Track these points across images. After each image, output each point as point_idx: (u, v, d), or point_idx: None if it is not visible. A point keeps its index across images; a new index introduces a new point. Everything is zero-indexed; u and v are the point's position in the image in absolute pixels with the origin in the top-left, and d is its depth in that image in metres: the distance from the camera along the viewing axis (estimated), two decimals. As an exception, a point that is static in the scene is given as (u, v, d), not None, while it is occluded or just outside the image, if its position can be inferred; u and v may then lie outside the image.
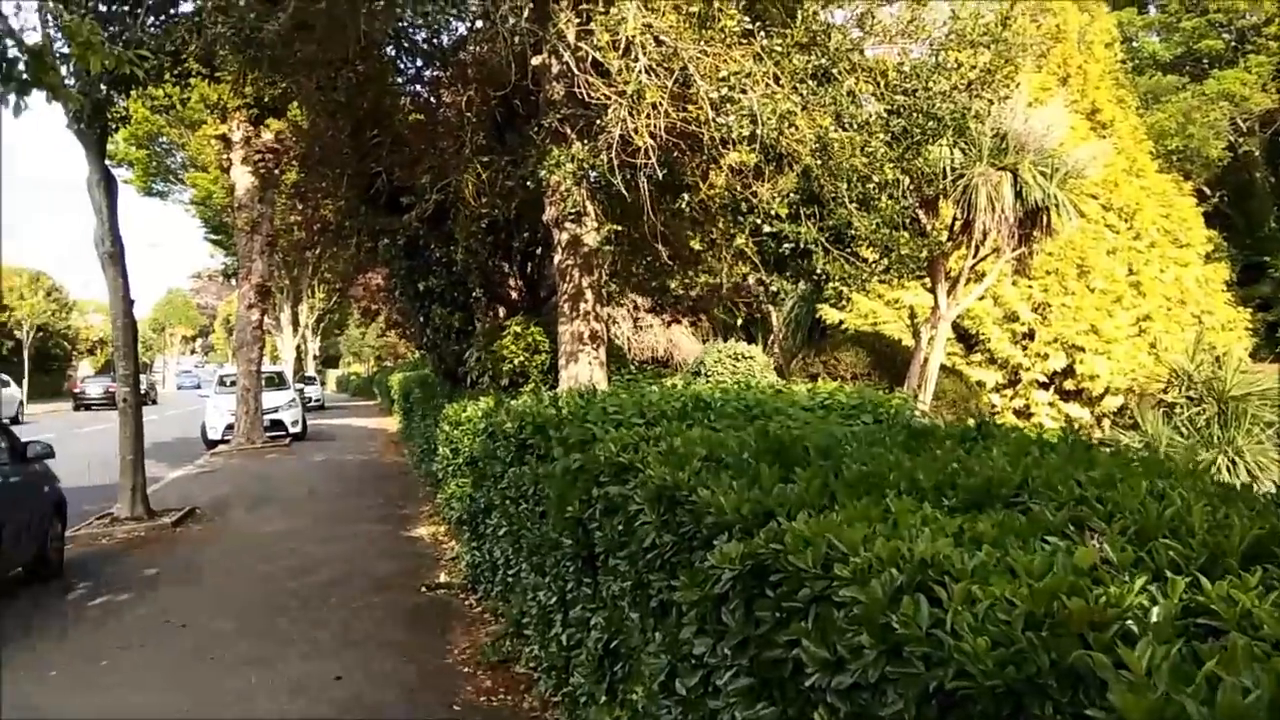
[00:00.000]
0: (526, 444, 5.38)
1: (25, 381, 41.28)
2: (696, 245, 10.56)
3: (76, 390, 42.62)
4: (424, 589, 7.33)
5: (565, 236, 9.42)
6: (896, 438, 3.39)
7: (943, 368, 14.64)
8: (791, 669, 1.96)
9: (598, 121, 8.08)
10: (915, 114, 8.68)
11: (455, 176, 10.93)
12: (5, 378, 33.99)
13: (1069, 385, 17.16)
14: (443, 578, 7.63)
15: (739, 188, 7.77)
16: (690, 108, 7.27)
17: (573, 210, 9.06)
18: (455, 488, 8.85)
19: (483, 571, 6.84)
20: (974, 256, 13.42)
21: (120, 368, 10.95)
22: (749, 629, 2.19)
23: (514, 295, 14.16)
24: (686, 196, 7.95)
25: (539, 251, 13.41)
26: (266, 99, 12.05)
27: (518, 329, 11.72)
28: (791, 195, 8.05)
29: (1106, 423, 17.25)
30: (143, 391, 41.56)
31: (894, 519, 1.99)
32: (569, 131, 8.73)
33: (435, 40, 12.58)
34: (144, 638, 6.15)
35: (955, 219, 13.35)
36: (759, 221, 8.01)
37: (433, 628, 6.28)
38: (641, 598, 3.23)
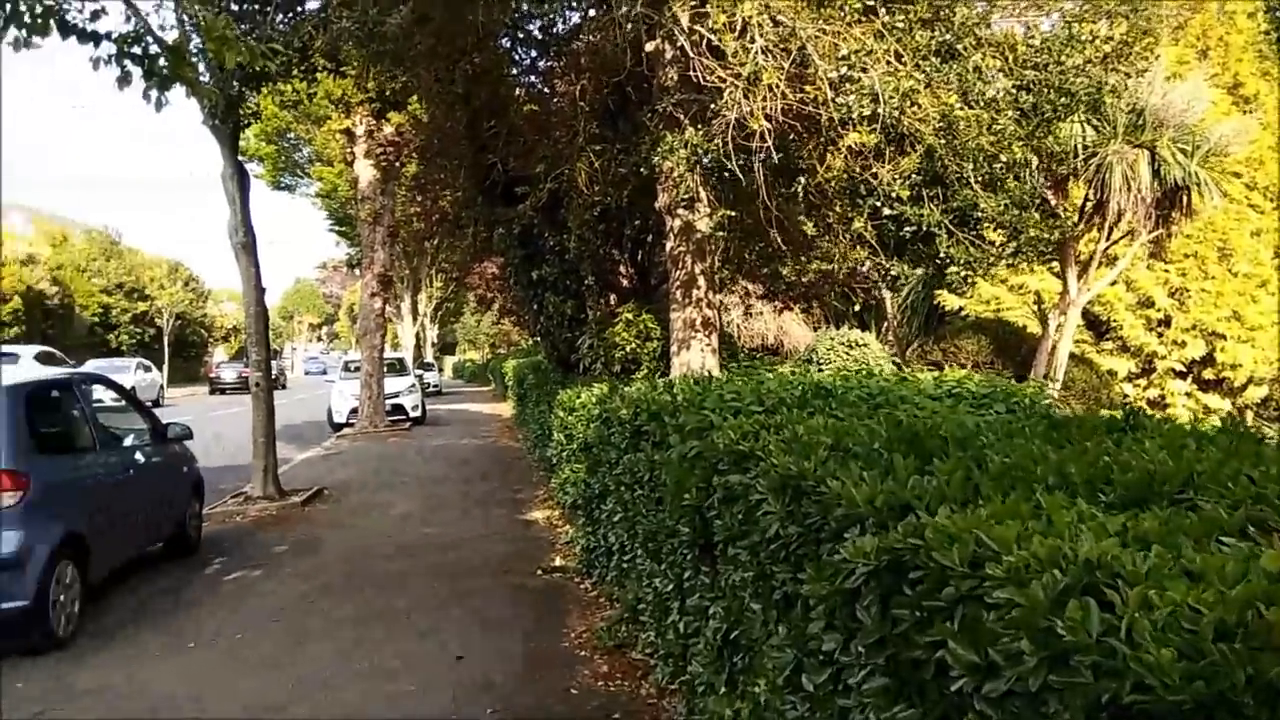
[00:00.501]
0: (642, 430, 5.35)
1: (165, 367, 43.78)
2: (810, 230, 10.36)
3: (212, 375, 44.96)
4: (540, 572, 7.42)
5: (678, 223, 9.36)
6: (1036, 429, 3.21)
7: (1071, 356, 13.99)
8: (934, 671, 1.86)
9: (712, 106, 7.98)
10: (1046, 89, 8.27)
11: (568, 165, 11.01)
12: (147, 363, 36.10)
13: (1208, 374, 16.19)
14: (558, 561, 7.71)
15: (858, 169, 7.56)
16: (808, 88, 7.10)
17: (685, 196, 8.99)
18: (569, 473, 8.93)
19: (597, 556, 6.87)
20: (1106, 239, 12.77)
21: (253, 353, 11.45)
22: (885, 627, 2.09)
23: (625, 283, 14.20)
24: (803, 180, 7.78)
25: (649, 239, 13.39)
26: (388, 93, 12.38)
27: (629, 316, 11.74)
28: (913, 176, 7.77)
29: (1250, 414, 16.21)
30: (273, 376, 43.35)
31: (1046, 515, 1.86)
32: (682, 117, 8.65)
33: (550, 30, 12.68)
34: (275, 614, 6.40)
35: (1087, 200, 12.72)
36: (878, 204, 7.78)
37: (549, 611, 6.34)
38: (764, 589, 3.16)
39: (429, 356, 48.44)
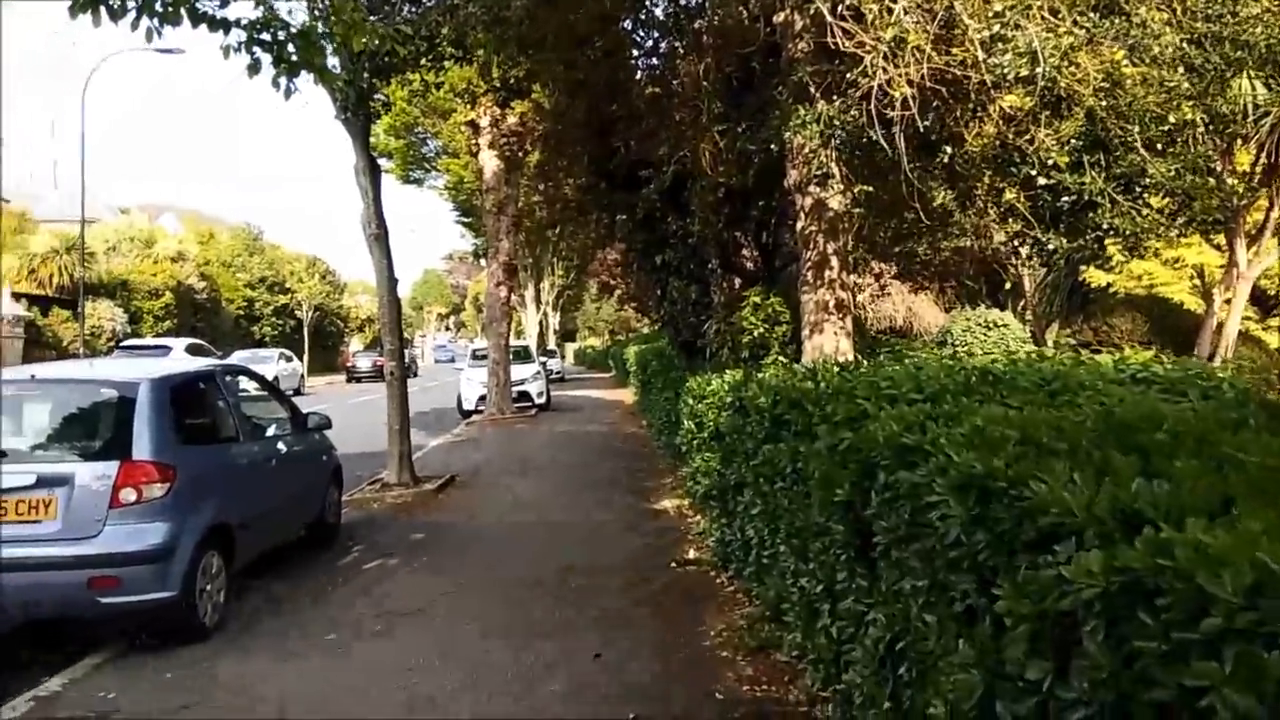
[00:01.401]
0: (782, 419, 5.06)
1: (305, 356, 45.67)
2: (948, 203, 9.79)
3: (348, 364, 46.74)
4: (673, 565, 7.22)
5: (809, 201, 8.98)
6: (1258, 419, 2.78)
7: (1239, 334, 12.90)
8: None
9: (848, 75, 7.57)
10: (1220, 43, 7.51)
11: (691, 147, 10.76)
12: (289, 353, 37.72)
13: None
14: (691, 554, 7.49)
15: (1010, 136, 7.02)
16: (955, 50, 6.61)
17: (817, 172, 8.60)
18: (700, 462, 8.68)
19: (734, 550, 6.61)
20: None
21: (386, 343, 11.66)
22: (1116, 661, 1.76)
23: (750, 265, 13.86)
24: (948, 150, 7.28)
25: (774, 221, 13.00)
26: (511, 81, 12.37)
27: (757, 299, 11.39)
28: (1072, 141, 7.17)
29: None
30: (406, 365, 44.60)
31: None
32: (814, 89, 8.27)
33: (673, 10, 12.42)
34: (411, 603, 6.40)
35: (1256, 164, 11.64)
36: (1033, 173, 7.21)
37: (685, 606, 6.13)
38: (939, 599, 2.83)
39: (552, 344, 49.09)
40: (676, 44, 12.78)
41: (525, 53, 9.85)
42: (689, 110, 11.18)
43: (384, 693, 4.79)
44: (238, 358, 31.82)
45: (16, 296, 29.89)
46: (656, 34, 13.68)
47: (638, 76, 13.34)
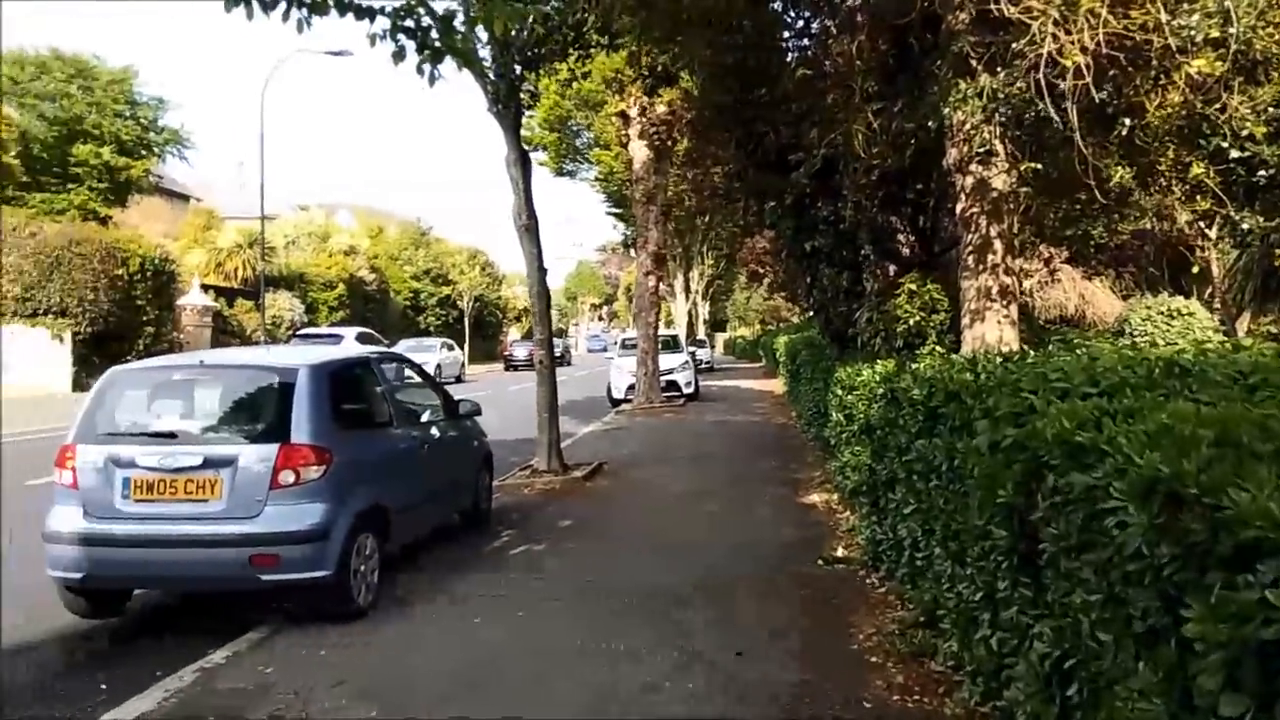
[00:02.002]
0: (937, 413, 4.75)
1: (466, 345, 47.39)
2: (1126, 181, 9.04)
3: (506, 353, 48.23)
4: (821, 562, 6.97)
5: (970, 181, 8.48)
6: None
7: None
8: None
9: (1013, 45, 7.07)
10: None
11: (843, 129, 10.38)
12: (451, 342, 39.20)
13: None
14: (840, 551, 7.22)
15: (1199, 105, 6.37)
16: (1134, 13, 6.04)
17: (979, 150, 8.11)
18: (850, 456, 8.36)
19: (885, 550, 6.30)
20: None
21: (536, 332, 11.83)
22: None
23: (905, 251, 13.31)
24: (1127, 121, 6.68)
25: (932, 203, 12.42)
26: (659, 68, 12.30)
27: (913, 286, 10.90)
28: (1270, 109, 6.44)
29: None
30: (559, 354, 45.54)
31: None
32: (975, 62, 7.78)
33: (826, -13, 12.04)
34: (557, 591, 6.42)
35: None
36: (1224, 144, 6.53)
37: (833, 606, 5.89)
38: (1115, 616, 2.53)
39: (701, 333, 49.04)
40: (828, 23, 12.40)
41: (671, 37, 9.72)
42: (841, 91, 10.81)
43: (526, 676, 4.80)
44: (403, 346, 33.28)
45: (205, 288, 32.26)
46: (807, 14, 13.35)
47: (788, 59, 13.03)
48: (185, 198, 51.70)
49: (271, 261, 36.42)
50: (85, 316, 25.54)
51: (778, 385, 26.13)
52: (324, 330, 31.64)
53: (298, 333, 32.05)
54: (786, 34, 13.31)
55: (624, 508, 9.56)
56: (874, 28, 10.28)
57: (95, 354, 24.60)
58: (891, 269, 12.84)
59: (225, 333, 32.07)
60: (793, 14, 13.58)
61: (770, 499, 9.82)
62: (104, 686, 4.81)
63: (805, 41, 13.57)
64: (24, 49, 39.24)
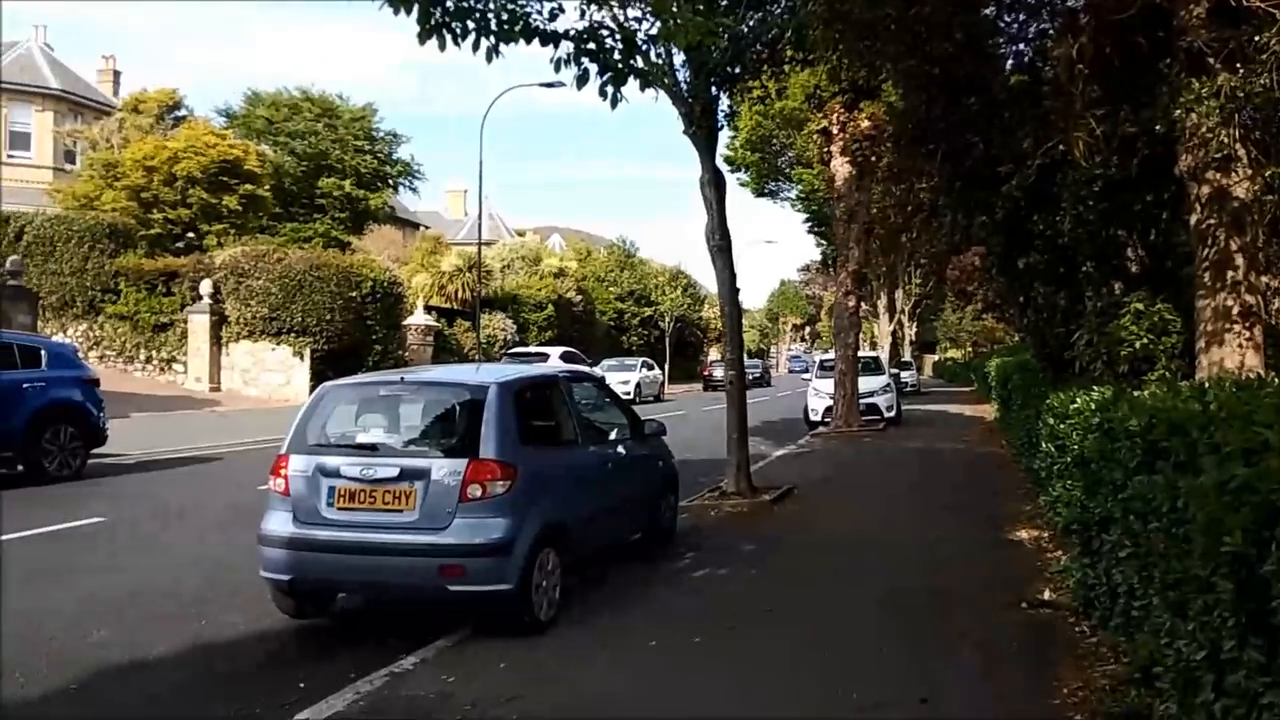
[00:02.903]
0: (1158, 447, 4.25)
1: (666, 365, 48.02)
2: None
3: (706, 373, 48.52)
4: (1025, 605, 6.43)
5: (1205, 190, 7.66)
6: None
7: None
8: None
9: (1256, 39, 6.34)
10: None
11: (1062, 137, 9.69)
12: (651, 362, 39.85)
13: None
14: (1046, 594, 6.64)
15: None
16: None
17: (1217, 155, 7.31)
18: (1061, 490, 7.69)
19: (1097, 595, 5.72)
20: None
21: (727, 351, 11.75)
22: None
23: (1132, 268, 12.23)
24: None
25: (1165, 215, 11.34)
26: (860, 81, 11.97)
27: (1139, 306, 9.96)
28: None
29: None
30: (758, 375, 45.39)
31: None
32: (1212, 60, 7.04)
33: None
34: (735, 619, 6.27)
35: None
36: None
37: (1034, 654, 5.41)
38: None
39: (906, 355, 47.31)
40: (1046, 25, 11.68)
41: (870, 49, 9.40)
42: (1060, 97, 10.12)
43: (697, 703, 4.69)
44: (604, 365, 34.17)
45: (428, 309, 34.41)
46: (1023, 17, 12.62)
47: (1001, 65, 12.37)
48: (415, 225, 55.57)
49: (488, 284, 38.43)
50: (322, 335, 27.84)
51: (988, 411, 24.73)
52: (532, 349, 32.97)
53: (508, 351, 33.57)
54: (1000, 40, 12.63)
55: (811, 535, 9.26)
56: (1097, 28, 9.57)
57: (330, 369, 26.77)
58: (1116, 287, 11.84)
59: (444, 350, 34.05)
60: (1006, 18, 12.89)
61: (972, 533, 9.22)
62: (302, 685, 5.10)
63: (1020, 46, 12.85)
64: (280, 91, 43.69)
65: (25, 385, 12.17)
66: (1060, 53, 10.38)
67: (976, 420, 24.37)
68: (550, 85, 29.32)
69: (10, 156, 37.60)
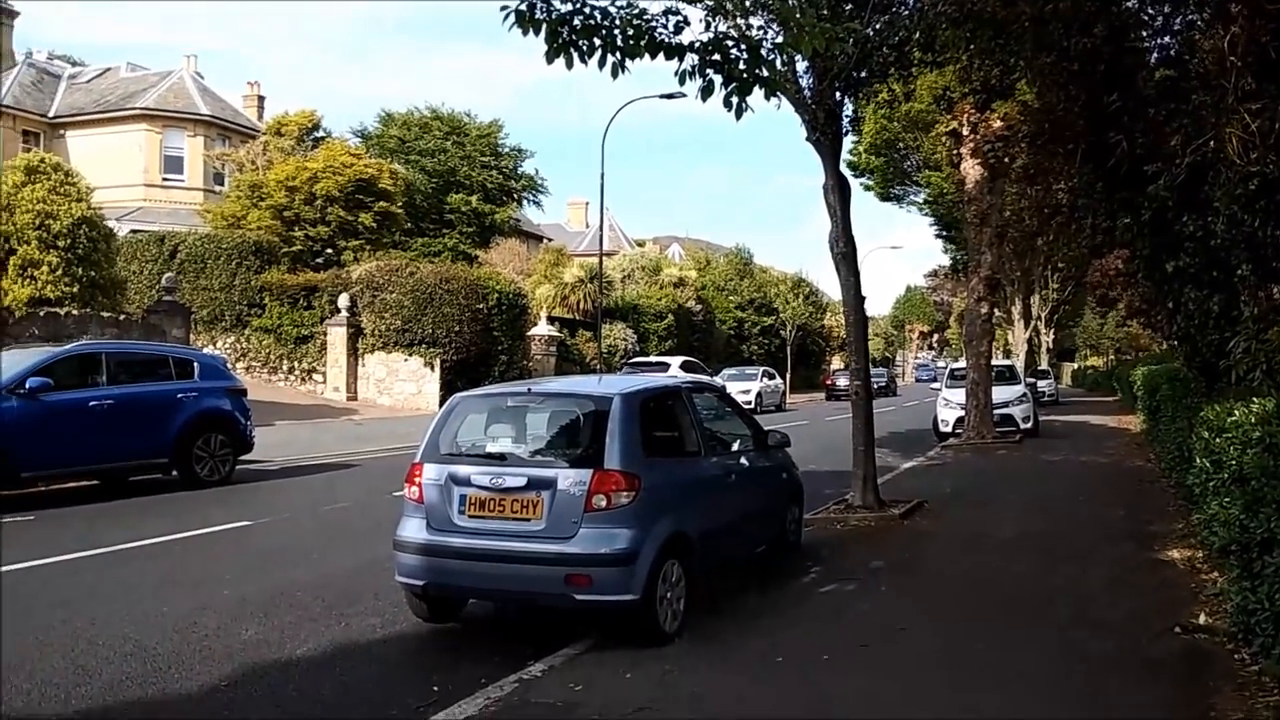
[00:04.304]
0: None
1: (788, 375, 47.51)
2: None
3: (829, 383, 47.80)
4: (1177, 629, 6.05)
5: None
6: None
7: None
8: None
9: None
10: None
11: (1214, 133, 9.13)
12: (772, 371, 39.53)
13: None
14: (1202, 619, 6.23)
15: None
16: None
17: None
18: (1216, 508, 7.21)
19: (1258, 621, 5.33)
20: None
21: (852, 361, 11.52)
22: None
23: (1295, 270, 11.40)
24: None
25: (1334, 214, 10.54)
26: (992, 81, 11.57)
27: (1303, 311, 9.26)
28: None
29: None
30: (884, 384, 44.52)
31: None
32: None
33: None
34: (866, 636, 6.12)
35: None
36: None
37: (1189, 684, 5.08)
38: None
39: (1043, 363, 45.38)
40: (1193, 16, 11.04)
41: (1003, 48, 9.07)
42: (1211, 91, 9.54)
43: (824, 728, 4.59)
44: (725, 375, 34.08)
45: (551, 320, 35.07)
46: (1168, 8, 11.97)
47: (1146, 59, 11.76)
48: (538, 238, 56.79)
49: (609, 294, 38.88)
50: (451, 345, 28.72)
51: (1133, 422, 23.46)
52: (653, 359, 33.16)
53: (629, 361, 33.85)
54: (1144, 34, 12.01)
55: (943, 552, 8.96)
56: (1250, 16, 8.98)
57: (458, 379, 27.58)
58: (1275, 291, 11.07)
59: (567, 360, 34.63)
60: (1150, 10, 12.26)
61: (1117, 552, 8.75)
62: (435, 689, 5.24)
63: (1165, 39, 12.20)
64: (411, 111, 45.44)
65: (180, 395, 12.99)
66: (1210, 44, 9.80)
67: (1120, 432, 23.16)
68: (670, 96, 29.47)
69: (165, 180, 40.25)
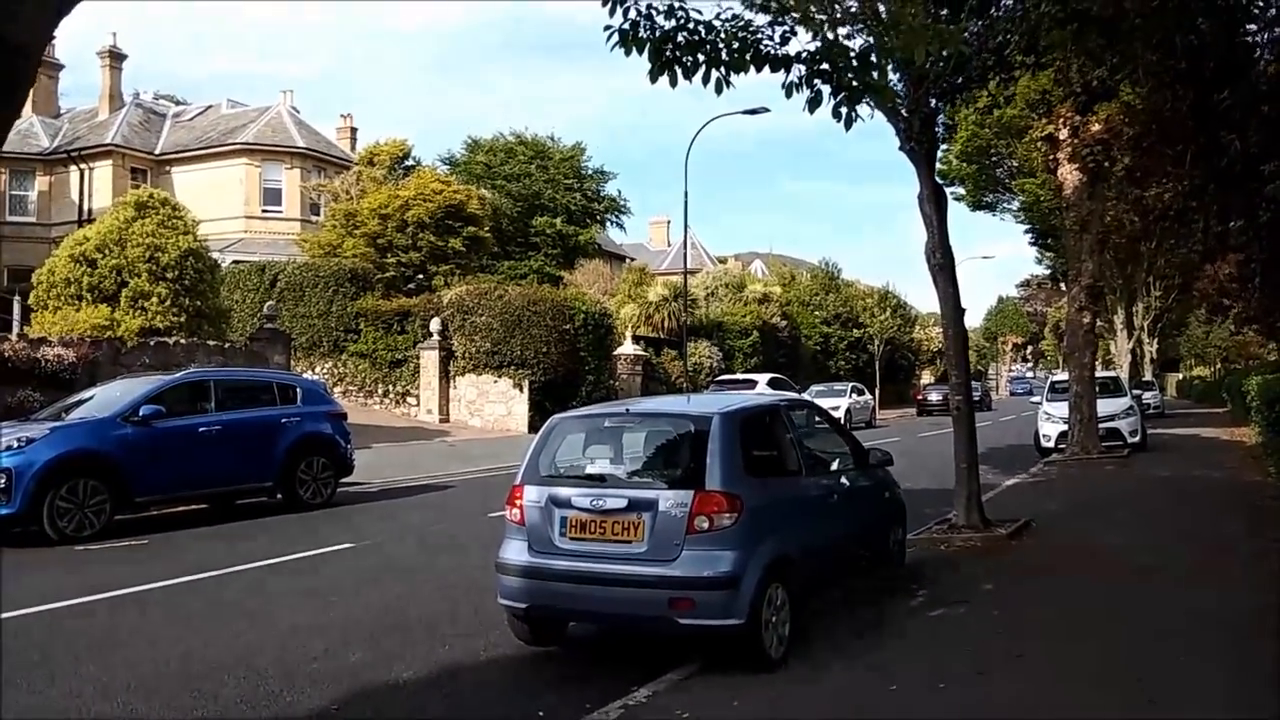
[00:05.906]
0: None
1: (877, 390, 46.57)
2: None
3: (920, 398, 46.73)
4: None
5: None
6: None
7: None
8: None
9: None
10: None
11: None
12: (860, 386, 38.78)
13: None
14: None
15: None
16: None
17: None
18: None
19: None
20: None
21: (952, 375, 11.17)
22: None
23: None
24: None
25: None
26: (1094, 82, 11.16)
27: None
28: None
29: None
30: (978, 398, 43.10)
31: None
32: None
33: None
34: (982, 664, 5.86)
35: None
36: None
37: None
38: None
39: (1148, 374, 43.53)
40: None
41: (1110, 47, 8.72)
42: (1332, 85, 9.03)
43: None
44: (813, 391, 33.58)
45: (636, 339, 35.11)
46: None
47: (1259, 55, 11.20)
48: (621, 257, 57.07)
49: (693, 312, 38.76)
50: (539, 367, 28.97)
51: (1248, 434, 22.24)
52: (739, 376, 32.89)
53: (715, 379, 33.64)
54: (1257, 26, 11.45)
55: (1056, 573, 8.56)
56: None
57: (546, 400, 27.76)
58: None
59: (653, 379, 34.58)
60: (1262, 3, 11.68)
61: (1242, 571, 8.24)
62: (542, 714, 5.19)
63: (1278, 32, 11.61)
64: (497, 137, 46.29)
65: (284, 420, 13.34)
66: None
67: (1234, 445, 21.99)
68: (753, 112, 29.29)
69: (265, 211, 41.73)
